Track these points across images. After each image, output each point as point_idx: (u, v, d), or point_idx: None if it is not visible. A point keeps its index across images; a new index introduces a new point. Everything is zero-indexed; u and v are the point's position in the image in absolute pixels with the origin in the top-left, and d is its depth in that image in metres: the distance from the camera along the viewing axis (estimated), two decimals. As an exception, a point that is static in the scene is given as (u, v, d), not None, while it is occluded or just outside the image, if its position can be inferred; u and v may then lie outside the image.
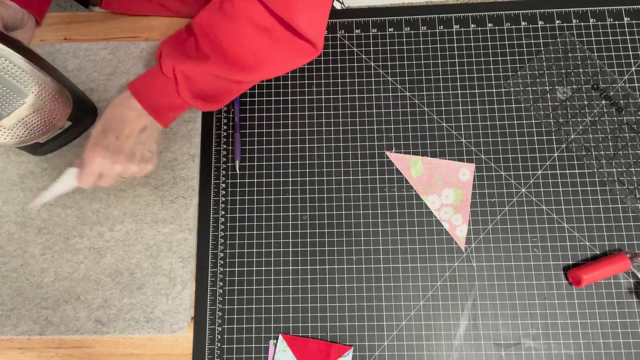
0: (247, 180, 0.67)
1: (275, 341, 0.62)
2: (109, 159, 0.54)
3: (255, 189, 0.67)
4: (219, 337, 0.63)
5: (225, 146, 0.69)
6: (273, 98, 0.70)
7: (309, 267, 0.64)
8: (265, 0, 0.52)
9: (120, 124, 0.56)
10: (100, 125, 0.57)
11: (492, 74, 0.69)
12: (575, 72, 0.69)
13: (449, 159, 0.67)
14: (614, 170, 0.65)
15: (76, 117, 0.64)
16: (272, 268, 0.64)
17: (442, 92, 0.69)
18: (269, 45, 0.55)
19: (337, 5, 0.84)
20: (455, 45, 0.70)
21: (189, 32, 0.58)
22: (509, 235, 0.64)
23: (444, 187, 0.66)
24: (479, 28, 0.71)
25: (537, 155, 0.66)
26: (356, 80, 0.70)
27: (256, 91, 0.70)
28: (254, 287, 0.64)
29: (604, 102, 0.67)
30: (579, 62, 0.69)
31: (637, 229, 0.64)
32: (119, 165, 0.55)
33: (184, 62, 0.55)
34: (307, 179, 0.67)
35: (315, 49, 0.57)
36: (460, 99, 0.69)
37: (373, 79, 0.70)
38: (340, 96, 0.70)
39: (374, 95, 0.69)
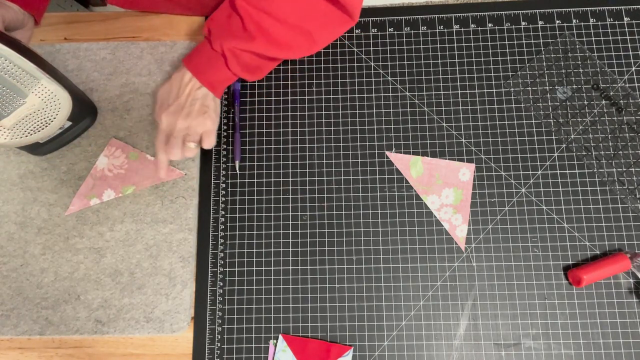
0: (247, 180, 0.67)
1: (275, 341, 0.62)
2: (172, 116, 0.61)
3: (255, 189, 0.67)
4: (219, 337, 0.63)
5: (225, 146, 0.69)
6: (273, 98, 0.70)
7: (309, 267, 0.64)
8: None
9: (179, 83, 0.62)
10: (163, 90, 0.63)
11: (492, 74, 0.69)
12: (575, 72, 0.69)
13: (449, 159, 0.67)
14: (614, 170, 0.65)
15: (76, 117, 0.64)
16: (272, 268, 0.64)
17: (442, 92, 0.69)
18: (311, 21, 0.61)
19: None
20: (455, 45, 0.70)
21: (234, 8, 0.61)
22: (509, 235, 0.64)
23: (444, 187, 0.66)
24: (479, 28, 0.71)
25: (537, 155, 0.66)
26: (356, 80, 0.70)
27: (256, 91, 0.70)
28: (254, 287, 0.64)
29: (604, 102, 0.67)
30: (579, 62, 0.69)
31: (637, 229, 0.64)
32: (180, 122, 0.61)
33: (231, 41, 0.60)
34: (307, 179, 0.67)
35: (353, 20, 0.63)
36: (460, 99, 0.69)
37: (373, 79, 0.70)
38: (340, 96, 0.70)
39: (374, 95, 0.69)
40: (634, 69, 0.68)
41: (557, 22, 0.70)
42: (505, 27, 0.71)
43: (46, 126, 0.59)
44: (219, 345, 0.62)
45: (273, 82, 0.71)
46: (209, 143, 0.63)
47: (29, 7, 0.59)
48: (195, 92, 0.62)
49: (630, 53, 0.69)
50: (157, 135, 0.62)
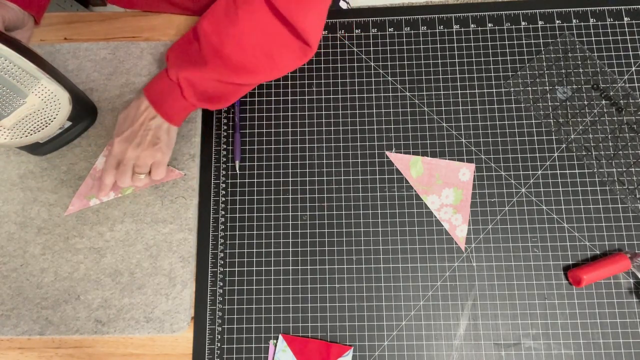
0: (247, 180, 0.67)
1: (275, 341, 0.62)
2: (123, 143, 0.61)
3: (255, 189, 0.67)
4: (219, 337, 0.63)
5: (225, 146, 0.69)
6: (273, 98, 0.70)
7: (309, 267, 0.64)
8: (275, 3, 0.54)
9: (134, 114, 0.62)
10: (122, 115, 0.63)
11: (492, 74, 0.69)
12: (575, 72, 0.69)
13: (449, 159, 0.67)
14: (614, 170, 0.65)
15: (76, 117, 0.64)
16: (272, 268, 0.64)
17: (442, 92, 0.69)
18: (270, 49, 0.59)
19: (344, 5, 0.84)
20: (455, 45, 0.70)
21: (195, 35, 0.60)
22: (509, 235, 0.64)
23: (444, 187, 0.66)
24: (479, 28, 0.71)
25: (537, 155, 0.66)
26: (356, 80, 0.70)
27: (256, 91, 0.70)
28: (254, 287, 0.64)
29: (604, 102, 0.67)
30: (579, 62, 0.69)
31: (637, 229, 0.64)
32: (130, 150, 0.61)
33: (186, 69, 0.59)
34: (307, 179, 0.67)
35: (312, 50, 0.60)
36: (460, 99, 0.69)
37: (373, 79, 0.70)
38: (340, 96, 0.70)
39: (374, 95, 0.69)
40: (634, 69, 0.68)
41: (557, 22, 0.70)
42: (505, 27, 0.71)
43: (46, 126, 0.59)
44: (219, 345, 0.62)
45: (273, 82, 0.71)
46: (158, 174, 0.63)
47: (29, 7, 0.59)
48: (148, 123, 0.61)
49: (630, 53, 0.69)
50: (107, 158, 0.63)
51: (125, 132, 0.61)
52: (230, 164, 0.68)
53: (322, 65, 0.71)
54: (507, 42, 0.70)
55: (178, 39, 0.63)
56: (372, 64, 0.71)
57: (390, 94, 0.69)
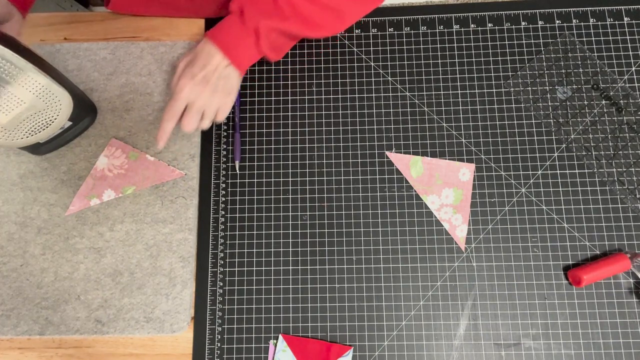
0: (247, 180, 0.67)
1: (275, 341, 0.62)
2: (197, 87, 0.59)
3: (255, 189, 0.67)
4: (219, 337, 0.63)
5: (225, 146, 0.69)
6: (273, 98, 0.70)
7: (309, 267, 0.64)
8: None
9: (207, 57, 0.60)
10: (186, 58, 0.61)
11: (492, 74, 0.69)
12: (575, 72, 0.69)
13: (449, 159, 0.67)
14: (614, 170, 0.65)
15: (76, 117, 0.64)
16: (272, 268, 0.64)
17: (442, 92, 0.69)
18: (340, 3, 0.60)
19: None
20: (455, 45, 0.70)
21: None
22: (509, 235, 0.64)
23: (444, 187, 0.66)
24: (479, 28, 0.71)
25: (537, 155, 0.66)
26: (356, 80, 0.70)
27: (256, 91, 0.70)
28: (254, 287, 0.64)
29: (604, 102, 0.67)
30: (579, 62, 0.69)
31: (637, 229, 0.64)
32: (205, 95, 0.59)
33: (267, 19, 0.58)
34: (307, 179, 0.67)
35: None
36: (460, 99, 0.69)
37: (373, 79, 0.70)
38: (340, 96, 0.70)
39: (374, 95, 0.69)
40: (634, 69, 0.68)
41: (557, 22, 0.70)
42: (505, 27, 0.71)
43: (47, 126, 0.59)
44: (219, 345, 0.62)
45: (273, 82, 0.71)
46: (221, 118, 0.63)
47: (14, 1, 0.58)
48: (223, 69, 0.60)
49: (630, 53, 0.69)
50: (170, 103, 0.60)
51: (198, 76, 0.59)
52: (230, 164, 0.68)
53: (322, 65, 0.71)
54: (507, 42, 0.70)
55: None
56: (372, 64, 0.71)
57: (390, 94, 0.69)
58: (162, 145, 0.61)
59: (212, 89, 0.60)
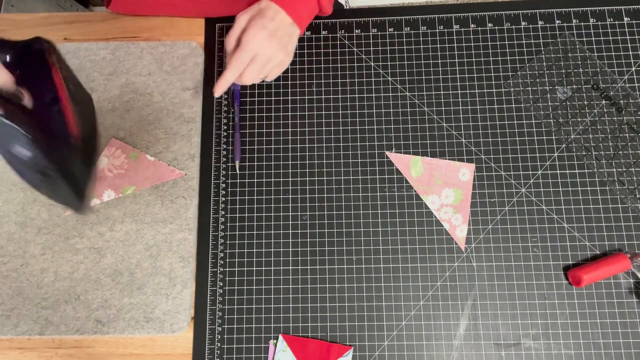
0: (247, 180, 0.67)
1: (275, 341, 0.62)
2: (268, 38, 0.57)
3: (255, 189, 0.67)
4: (219, 337, 0.63)
5: (225, 146, 0.69)
6: (273, 98, 0.70)
7: (309, 267, 0.64)
8: None
9: (274, 13, 0.58)
10: (248, 13, 0.59)
11: (492, 74, 0.69)
12: (575, 72, 0.69)
13: (449, 159, 0.67)
14: (614, 170, 0.65)
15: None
16: (272, 268, 0.64)
17: (442, 92, 0.69)
18: None
19: (342, 0, 0.84)
20: (455, 45, 0.70)
21: None
22: (509, 235, 0.64)
23: (444, 187, 0.66)
24: (479, 28, 0.71)
25: (537, 155, 0.66)
26: (356, 80, 0.70)
27: (256, 91, 0.70)
28: (254, 287, 0.64)
29: (604, 102, 0.67)
30: (579, 62, 0.69)
31: (637, 229, 0.64)
32: (273, 47, 0.58)
33: None
34: (307, 179, 0.67)
35: None
36: (460, 99, 0.69)
37: (373, 79, 0.70)
38: (340, 96, 0.70)
39: (374, 95, 0.69)
40: (634, 69, 0.68)
41: (557, 22, 0.70)
42: (505, 27, 0.71)
43: None
44: (219, 345, 0.62)
45: (273, 82, 0.71)
46: (273, 77, 0.62)
47: None
48: (287, 27, 0.59)
49: (630, 53, 0.69)
50: (238, 52, 0.58)
51: (268, 28, 0.57)
52: (230, 164, 0.68)
53: (322, 65, 0.71)
54: (507, 42, 0.70)
55: None
56: (372, 64, 0.71)
57: (390, 94, 0.69)
58: (219, 93, 0.60)
59: (279, 43, 0.59)
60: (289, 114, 0.69)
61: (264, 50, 0.58)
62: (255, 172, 0.68)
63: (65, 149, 0.52)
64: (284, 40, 0.59)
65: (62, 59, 0.54)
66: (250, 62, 0.58)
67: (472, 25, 0.71)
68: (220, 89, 0.60)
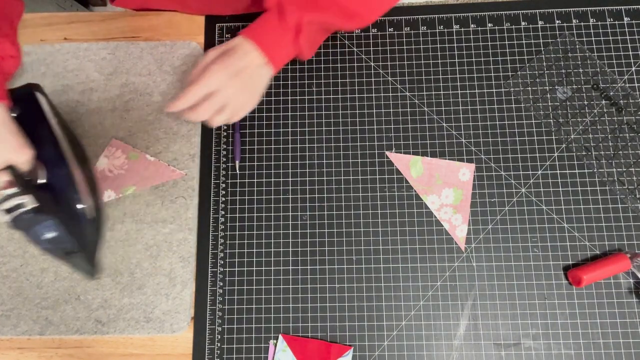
0: (247, 180, 0.67)
1: (275, 341, 0.62)
2: (228, 77, 0.55)
3: (255, 189, 0.67)
4: (219, 337, 0.63)
5: (225, 146, 0.69)
6: (273, 98, 0.70)
7: (309, 267, 0.64)
8: None
9: (243, 53, 0.57)
10: (218, 49, 0.57)
11: (492, 74, 0.69)
12: (575, 72, 0.69)
13: (449, 159, 0.67)
14: (614, 170, 0.65)
15: None
16: (272, 268, 0.64)
17: (442, 92, 0.69)
18: None
19: None
20: (455, 45, 0.70)
21: None
22: (509, 235, 0.64)
23: (444, 187, 0.66)
24: (479, 28, 0.71)
25: (537, 155, 0.66)
26: (356, 80, 0.70)
27: (256, 91, 0.70)
28: (254, 287, 0.64)
29: (604, 102, 0.67)
30: (579, 62, 0.69)
31: (637, 229, 0.64)
32: (233, 88, 0.56)
33: (310, 12, 0.56)
34: (307, 179, 0.67)
35: None
36: (460, 99, 0.69)
37: (373, 79, 0.70)
38: (340, 96, 0.70)
39: (374, 95, 0.69)
40: (634, 69, 0.68)
41: (557, 22, 0.70)
42: (505, 27, 0.71)
43: None
44: (219, 345, 0.62)
45: (273, 82, 0.71)
46: (237, 119, 0.60)
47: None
48: (257, 68, 0.57)
49: (630, 53, 0.69)
50: (193, 85, 0.55)
51: (231, 67, 0.56)
52: (230, 164, 0.68)
53: (322, 65, 0.71)
54: (507, 42, 0.70)
55: None
56: (372, 64, 0.71)
57: (390, 94, 0.69)
58: (168, 110, 0.57)
59: (242, 83, 0.57)
60: (289, 114, 0.69)
61: (222, 88, 0.56)
62: (255, 172, 0.68)
63: (83, 222, 0.57)
64: (249, 82, 0.58)
65: (52, 103, 0.56)
66: (207, 98, 0.56)
67: (472, 25, 0.71)
68: (169, 109, 0.56)
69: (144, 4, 0.73)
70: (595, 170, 0.65)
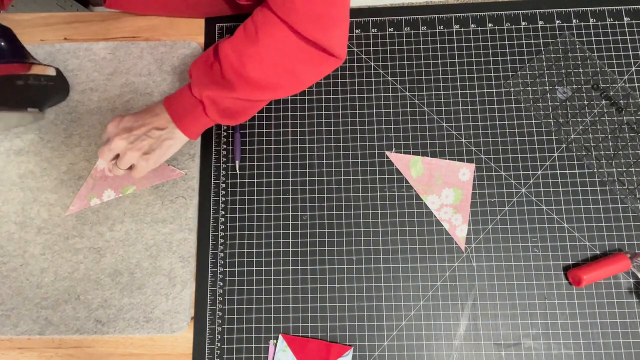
0: (247, 180, 0.67)
1: (275, 341, 0.62)
2: (120, 133, 0.59)
3: (255, 189, 0.67)
4: (219, 337, 0.63)
5: (225, 146, 0.69)
6: (273, 98, 0.70)
7: (309, 267, 0.64)
8: (299, 29, 0.55)
9: (147, 117, 0.61)
10: (131, 117, 0.61)
11: (492, 74, 0.69)
12: (575, 72, 0.69)
13: (449, 159, 0.67)
14: (614, 170, 0.65)
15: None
16: (272, 268, 0.64)
17: (442, 92, 0.69)
18: (292, 65, 0.60)
19: None
20: (455, 45, 0.70)
21: (215, 55, 0.61)
22: (509, 235, 0.64)
23: (444, 187, 0.66)
24: (479, 28, 0.71)
25: (537, 155, 0.66)
26: (356, 80, 0.70)
27: (256, 91, 0.70)
28: (254, 287, 0.64)
29: (604, 102, 0.67)
30: (579, 62, 0.69)
31: (637, 229, 0.64)
32: (123, 142, 0.59)
33: (209, 88, 0.59)
34: (307, 179, 0.67)
35: (339, 59, 0.62)
36: (460, 99, 0.69)
37: (373, 79, 0.70)
38: (340, 96, 0.70)
39: (374, 95, 0.69)
40: (634, 69, 0.68)
41: (557, 22, 0.70)
42: (505, 27, 0.71)
43: None
44: (219, 345, 0.62)
45: (273, 82, 0.70)
46: (137, 176, 0.62)
47: None
48: (153, 131, 0.60)
49: (630, 53, 0.69)
50: (104, 147, 0.60)
51: (129, 124, 0.60)
52: (230, 164, 0.68)
53: (322, 65, 0.71)
54: (507, 42, 0.70)
55: (199, 56, 0.62)
56: (372, 64, 0.71)
57: (390, 94, 0.69)
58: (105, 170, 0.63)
59: (131, 141, 0.59)
60: (289, 114, 0.69)
61: (115, 143, 0.59)
62: (255, 172, 0.68)
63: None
64: (145, 140, 0.59)
65: None
66: (117, 157, 0.60)
67: (472, 25, 0.71)
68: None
69: (131, 8, 0.72)
70: (595, 170, 0.65)
